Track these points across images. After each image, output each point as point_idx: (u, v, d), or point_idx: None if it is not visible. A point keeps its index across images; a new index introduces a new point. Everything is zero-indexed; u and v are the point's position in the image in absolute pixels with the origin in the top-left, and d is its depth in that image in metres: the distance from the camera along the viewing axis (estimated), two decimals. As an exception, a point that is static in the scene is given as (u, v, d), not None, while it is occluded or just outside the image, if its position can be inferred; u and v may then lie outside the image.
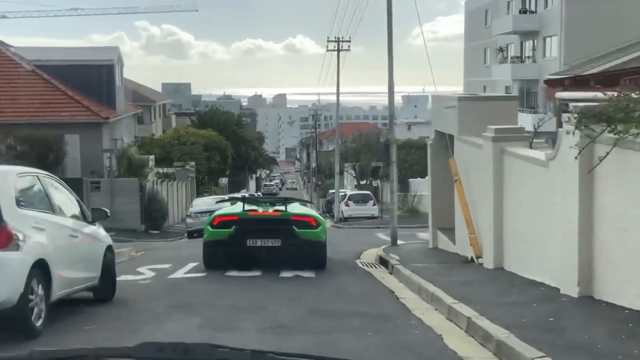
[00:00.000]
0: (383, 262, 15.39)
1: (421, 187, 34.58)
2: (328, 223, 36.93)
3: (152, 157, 37.26)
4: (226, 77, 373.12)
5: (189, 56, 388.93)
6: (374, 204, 37.54)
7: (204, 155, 42.66)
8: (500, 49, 48.83)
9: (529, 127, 38.62)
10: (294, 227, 13.25)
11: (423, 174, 48.16)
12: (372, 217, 36.81)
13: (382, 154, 17.13)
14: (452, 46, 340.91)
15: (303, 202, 18.03)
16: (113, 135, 32.86)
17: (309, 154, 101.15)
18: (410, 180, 48.32)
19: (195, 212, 28.55)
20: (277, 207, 14.01)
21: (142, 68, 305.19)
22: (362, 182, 50.38)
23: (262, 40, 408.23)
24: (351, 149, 49.69)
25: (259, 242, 13.14)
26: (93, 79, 33.43)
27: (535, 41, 45.68)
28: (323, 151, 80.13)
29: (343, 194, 40.39)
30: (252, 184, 74.90)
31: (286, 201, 14.65)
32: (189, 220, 28.84)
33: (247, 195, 46.26)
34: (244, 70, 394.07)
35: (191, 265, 14.54)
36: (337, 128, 36.96)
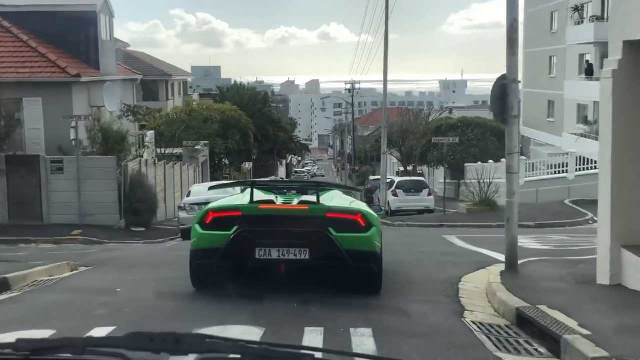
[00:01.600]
0: (522, 321, 6.92)
1: (496, 171, 25.50)
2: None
3: (150, 132, 28.72)
4: (259, 64, 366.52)
5: (224, 44, 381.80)
6: (429, 194, 28.65)
7: (216, 132, 33.86)
8: (576, 8, 39.48)
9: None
10: (331, 229, 7.95)
11: (483, 158, 39.35)
12: (428, 211, 27.88)
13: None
14: (489, 34, 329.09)
15: (346, 190, 11.70)
16: (94, 101, 24.38)
17: (343, 141, 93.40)
18: (466, 165, 39.33)
19: (191, 204, 20.08)
20: (304, 198, 8.65)
21: (178, 57, 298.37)
22: (408, 168, 41.36)
23: (296, 28, 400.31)
24: (397, 129, 40.59)
25: (274, 254, 7.90)
26: (69, 31, 25.00)
27: (623, -4, 36.23)
28: (359, 136, 71.26)
29: (389, 181, 31.57)
30: (281, 171, 66.29)
31: (319, 188, 8.75)
32: (181, 215, 20.35)
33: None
34: (278, 58, 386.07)
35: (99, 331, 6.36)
36: (385, 93, 27.59)
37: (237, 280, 8.17)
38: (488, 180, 23.46)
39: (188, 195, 21.14)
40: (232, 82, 72.18)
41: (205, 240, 7.97)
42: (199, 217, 8.22)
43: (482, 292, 9.04)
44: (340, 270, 8.12)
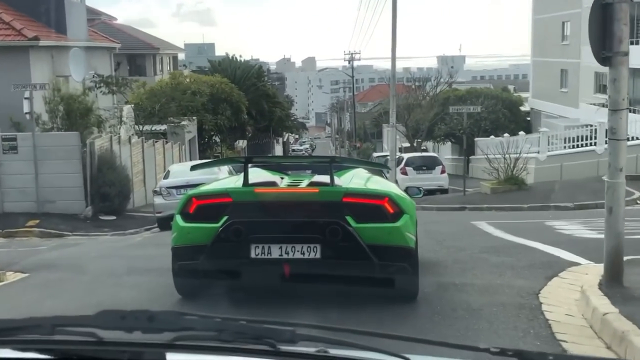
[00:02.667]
0: None
1: (513, 146, 22.04)
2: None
3: (127, 106, 25.20)
4: (255, 43, 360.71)
5: (218, 23, 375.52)
6: (442, 171, 25.21)
7: (205, 107, 30.24)
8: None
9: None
10: (350, 218, 5.77)
11: (495, 132, 36.03)
12: (442, 190, 24.47)
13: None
14: (486, 8, 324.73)
15: (372, 168, 8.70)
16: (59, 70, 20.88)
17: (341, 118, 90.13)
18: (477, 140, 35.98)
19: (169, 187, 16.68)
20: (317, 179, 6.26)
21: (173, 36, 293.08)
22: (414, 144, 37.90)
23: (291, 6, 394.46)
24: (403, 103, 36.97)
25: (275, 252, 5.78)
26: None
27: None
28: (358, 113, 67.72)
29: (397, 157, 28.19)
30: (278, 149, 62.71)
31: (333, 165, 6.20)
32: (157, 201, 16.89)
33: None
34: (273, 36, 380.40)
35: None
36: (393, 62, 23.99)
37: (231, 287, 6.57)
38: (515, 155, 20.05)
39: (166, 177, 17.67)
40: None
41: (188, 236, 6.09)
42: (180, 205, 6.28)
43: (584, 325, 5.73)
44: (364, 272, 6.04)
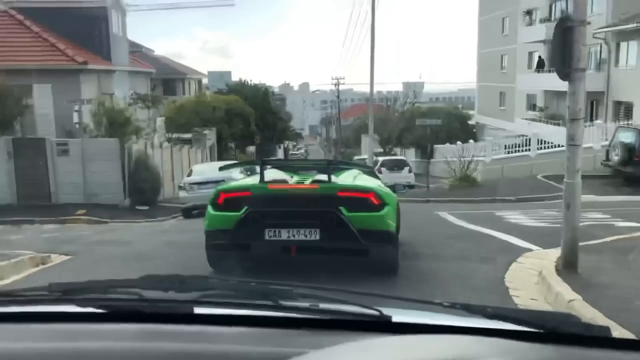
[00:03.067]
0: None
1: (464, 151, 21.27)
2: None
3: (159, 118, 24.27)
4: (263, 71, 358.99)
5: (234, 55, 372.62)
6: (409, 171, 24.48)
7: (222, 119, 29.35)
8: (528, 12, 35.17)
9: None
10: (343, 208, 5.83)
11: (449, 140, 35.19)
12: (409, 186, 23.66)
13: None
14: (441, 43, 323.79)
15: (365, 169, 8.10)
16: (104, 89, 19.92)
17: (328, 130, 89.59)
18: (435, 146, 35.11)
19: (191, 183, 15.81)
20: (318, 177, 6.37)
21: (199, 65, 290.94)
22: (381, 150, 36.95)
23: (291, 39, 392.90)
24: (377, 117, 36.08)
25: (284, 234, 5.81)
26: (80, 25, 20.42)
27: (570, 0, 32.01)
28: (342, 126, 66.74)
29: (374, 160, 27.31)
30: (280, 153, 61.66)
31: (330, 167, 6.31)
32: (181, 194, 16.02)
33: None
34: (277, 65, 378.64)
35: None
36: (371, 83, 23.17)
37: (250, 262, 6.29)
38: (469, 158, 19.26)
39: (189, 175, 16.79)
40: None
41: (217, 221, 6.15)
42: (212, 198, 6.33)
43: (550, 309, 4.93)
44: (354, 251, 6.01)
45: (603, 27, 27.43)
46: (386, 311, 1.41)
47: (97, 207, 16.32)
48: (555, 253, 7.29)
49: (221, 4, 77.34)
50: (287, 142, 75.12)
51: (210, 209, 6.21)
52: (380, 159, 24.99)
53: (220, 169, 9.21)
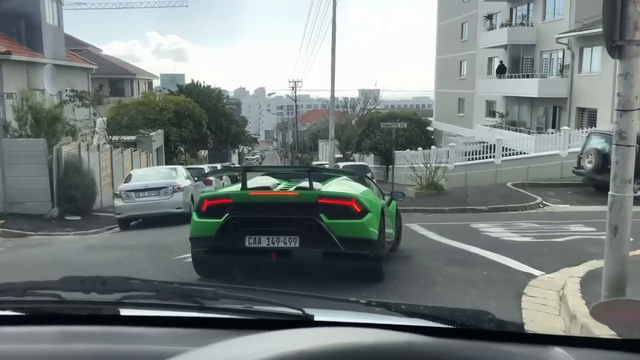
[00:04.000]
0: None
1: (425, 157, 19.93)
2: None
3: (99, 119, 22.01)
4: (217, 75, 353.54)
5: (190, 60, 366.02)
6: (371, 177, 22.91)
7: (171, 120, 27.18)
8: (489, 16, 34.42)
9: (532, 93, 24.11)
10: (323, 215, 5.71)
11: (409, 146, 34.03)
12: (370, 193, 22.23)
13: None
14: (396, 51, 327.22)
15: (350, 175, 7.59)
16: (34, 84, 17.63)
17: (284, 136, 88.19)
18: (395, 152, 33.86)
19: (128, 190, 13.74)
20: (302, 184, 6.26)
21: (152, 69, 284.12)
22: (340, 156, 35.47)
23: (247, 46, 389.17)
24: (337, 122, 34.60)
25: (264, 241, 5.73)
26: (8, 14, 18.09)
27: (532, 4, 31.31)
28: (299, 131, 65.19)
29: (330, 166, 25.75)
30: (234, 158, 59.56)
31: (312, 174, 6.26)
32: (117, 203, 13.88)
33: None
34: (232, 70, 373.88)
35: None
36: (332, 85, 21.58)
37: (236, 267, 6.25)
38: (435, 164, 17.85)
39: (127, 181, 14.70)
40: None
41: (200, 228, 6.04)
42: (197, 204, 6.28)
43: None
44: (333, 261, 5.84)
45: (567, 32, 26.73)
46: (309, 310, 1.40)
47: (19, 217, 14.11)
48: (564, 278, 5.87)
49: (175, 5, 74.65)
50: (242, 146, 73.08)
51: (194, 216, 6.20)
52: (341, 164, 23.41)
53: (202, 176, 9.45)
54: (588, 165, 17.30)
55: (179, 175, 14.52)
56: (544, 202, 16.16)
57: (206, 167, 19.27)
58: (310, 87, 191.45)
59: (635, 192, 16.55)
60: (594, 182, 17.53)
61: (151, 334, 1.35)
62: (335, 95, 40.19)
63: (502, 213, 15.11)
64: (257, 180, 6.75)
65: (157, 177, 14.30)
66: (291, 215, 5.73)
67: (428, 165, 17.60)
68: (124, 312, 1.46)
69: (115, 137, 22.88)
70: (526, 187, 18.97)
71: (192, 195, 14.36)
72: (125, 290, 1.48)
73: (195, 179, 16.46)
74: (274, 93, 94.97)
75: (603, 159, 16.84)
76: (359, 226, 5.73)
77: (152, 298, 1.48)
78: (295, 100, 49.03)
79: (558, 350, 1.16)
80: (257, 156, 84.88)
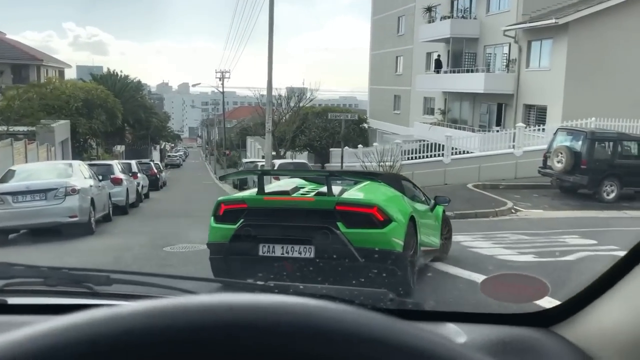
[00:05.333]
0: None
1: (365, 156, 17.47)
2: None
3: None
4: (139, 70, 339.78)
5: (109, 53, 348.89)
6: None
7: (81, 111, 23.16)
8: (429, 9, 32.58)
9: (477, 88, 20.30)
10: (341, 224, 5.20)
11: (346, 144, 31.62)
12: (310, 195, 19.46)
13: None
14: (328, 57, 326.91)
15: (372, 179, 6.66)
16: None
17: (209, 132, 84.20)
18: (331, 150, 31.51)
19: (2, 193, 10.20)
20: (321, 190, 5.71)
21: (69, 61, 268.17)
22: (273, 154, 32.47)
23: (170, 41, 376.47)
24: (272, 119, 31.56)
25: (278, 250, 5.33)
26: None
27: (474, -4, 29.67)
28: (226, 128, 61.55)
29: (262, 163, 22.84)
30: (155, 155, 55.10)
31: (331, 178, 5.66)
32: (-12, 209, 10.36)
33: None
34: (155, 66, 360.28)
35: None
36: (269, 74, 18.47)
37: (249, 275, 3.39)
38: (390, 162, 15.37)
39: (4, 179, 11.10)
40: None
41: (216, 234, 5.63)
42: (214, 209, 5.81)
43: None
44: (351, 273, 4.87)
45: (515, 24, 25.14)
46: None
47: None
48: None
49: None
50: (164, 143, 68.45)
51: (211, 221, 5.79)
52: (277, 162, 20.50)
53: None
54: (557, 165, 15.38)
55: (76, 173, 11.15)
56: (515, 207, 14.02)
57: (115, 164, 15.74)
58: (237, 84, 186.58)
59: (608, 195, 14.56)
60: (563, 183, 15.65)
61: (38, 322, 1.06)
62: (263, 93, 37.39)
63: (471, 220, 12.84)
64: (279, 183, 6.55)
65: (46, 175, 10.87)
66: (306, 223, 5.34)
67: (381, 164, 15.05)
68: (10, 299, 1.36)
69: (9, 128, 18.83)
70: (487, 188, 16.90)
71: (92, 199, 11.04)
72: (9, 277, 1.41)
73: (100, 177, 13.08)
74: (199, 84, 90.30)
75: (575, 158, 14.97)
76: (381, 237, 5.28)
77: (40, 284, 1.41)
78: (223, 92, 45.45)
79: (451, 326, 1.21)
80: (181, 153, 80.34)
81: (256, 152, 42.98)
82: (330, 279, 5.14)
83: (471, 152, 23.01)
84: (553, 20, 22.06)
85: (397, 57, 40.18)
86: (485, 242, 9.41)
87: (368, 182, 6.42)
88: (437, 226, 7.11)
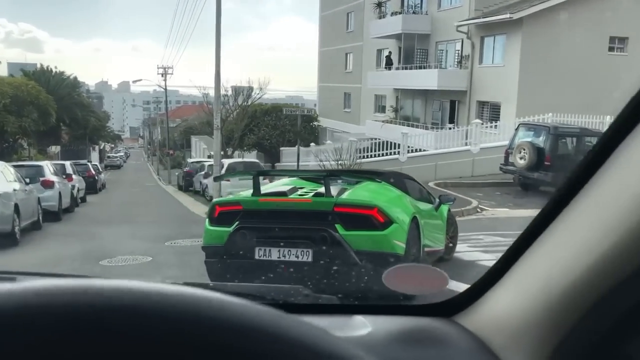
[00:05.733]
0: None
1: (319, 154, 16.62)
2: (197, 206, 18.00)
3: None
4: (76, 68, 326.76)
5: (44, 51, 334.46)
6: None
7: (9, 108, 21.17)
8: (379, 4, 32.02)
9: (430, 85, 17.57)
10: (339, 226, 5.04)
11: (295, 143, 30.68)
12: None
13: None
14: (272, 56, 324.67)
15: (373, 178, 6.43)
16: None
17: (151, 132, 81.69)
18: (282, 149, 30.50)
19: None
20: (320, 190, 5.46)
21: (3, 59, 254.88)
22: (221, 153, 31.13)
23: (109, 39, 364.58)
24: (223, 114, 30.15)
25: (274, 254, 5.17)
26: None
27: (425, -8, 29.29)
28: (169, 127, 59.39)
29: (209, 164, 21.58)
30: (94, 155, 52.42)
31: (330, 178, 5.66)
32: None
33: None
34: (93, 65, 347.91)
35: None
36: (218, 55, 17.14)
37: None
38: (348, 161, 14.49)
39: None
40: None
41: (211, 237, 5.51)
42: (209, 211, 5.76)
43: None
44: (350, 277, 4.90)
45: (468, 20, 24.84)
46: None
47: None
48: None
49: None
50: (103, 143, 65.59)
51: (206, 223, 5.67)
52: (226, 162, 19.27)
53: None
54: (520, 161, 14.92)
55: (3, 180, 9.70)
56: (480, 206, 13.42)
57: (46, 165, 14.19)
58: (180, 82, 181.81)
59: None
60: (526, 180, 15.22)
61: None
62: (205, 92, 35.96)
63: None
64: (277, 184, 6.37)
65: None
66: (304, 225, 5.15)
67: (341, 163, 14.15)
68: None
69: None
70: (449, 187, 16.29)
71: (17, 204, 9.62)
72: None
73: (28, 180, 11.59)
74: (140, 80, 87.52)
75: (538, 154, 14.54)
76: (381, 239, 5.14)
77: None
78: (166, 89, 43.55)
79: (358, 318, 1.26)
80: (121, 154, 77.37)
81: (202, 151, 41.38)
82: (328, 283, 5.13)
83: (425, 150, 22.56)
84: (508, 15, 21.81)
85: (346, 54, 39.52)
86: (461, 245, 8.66)
87: (369, 181, 6.21)
88: (442, 226, 6.97)
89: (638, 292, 0.87)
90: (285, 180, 6.52)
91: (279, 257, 5.12)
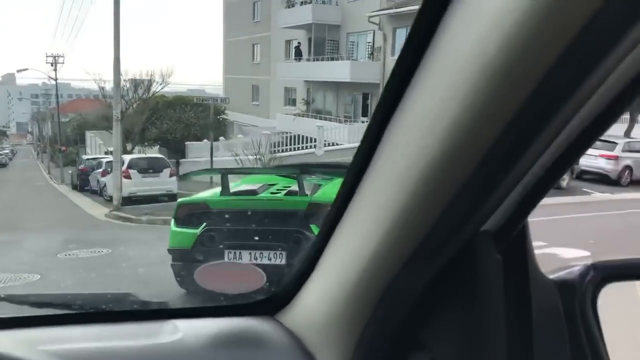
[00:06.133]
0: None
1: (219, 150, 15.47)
2: (95, 208, 16.17)
3: None
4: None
5: None
6: (171, 175, 17.29)
7: None
8: (288, -7, 31.08)
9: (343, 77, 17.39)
10: (314, 226, 4.63)
11: (205, 137, 29.05)
12: (170, 196, 16.55)
13: None
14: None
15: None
16: None
17: (41, 128, 75.86)
18: (187, 143, 28.85)
19: None
20: (293, 188, 5.14)
21: None
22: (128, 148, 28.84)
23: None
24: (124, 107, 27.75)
25: (245, 257, 4.95)
26: None
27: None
28: (61, 122, 55.10)
29: (107, 160, 19.67)
30: (-27, 154, 47.38)
31: (302, 172, 5.03)
32: None
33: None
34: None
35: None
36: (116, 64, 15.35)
37: None
38: (270, 157, 13.39)
39: None
40: None
41: (177, 239, 5.23)
42: (174, 211, 5.46)
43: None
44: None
45: (379, 10, 24.46)
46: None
47: None
48: None
49: None
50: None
51: (172, 224, 5.38)
52: (127, 157, 17.45)
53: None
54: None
55: None
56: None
57: None
58: (72, 75, 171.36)
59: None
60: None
61: None
62: (102, 85, 33.24)
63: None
64: (247, 181, 5.79)
65: None
66: (276, 226, 4.88)
67: (259, 157, 13.01)
68: None
69: None
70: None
71: None
72: None
73: None
74: (26, 69, 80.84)
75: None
76: None
77: None
78: (56, 79, 39.97)
79: (170, 323, 1.22)
80: (7, 151, 71.19)
81: (97, 147, 38.38)
82: None
83: (340, 144, 21.98)
84: (419, 6, 21.59)
85: (253, 45, 38.23)
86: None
87: (342, 178, 5.28)
88: None
89: (422, 275, 0.87)
90: (259, 176, 6.18)
91: (250, 260, 4.87)
